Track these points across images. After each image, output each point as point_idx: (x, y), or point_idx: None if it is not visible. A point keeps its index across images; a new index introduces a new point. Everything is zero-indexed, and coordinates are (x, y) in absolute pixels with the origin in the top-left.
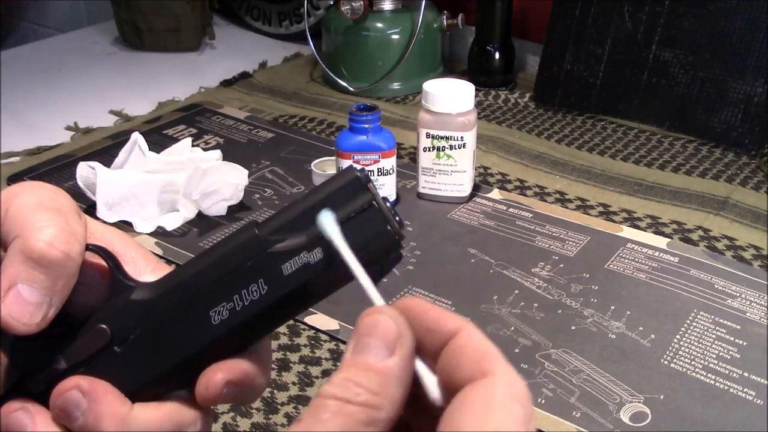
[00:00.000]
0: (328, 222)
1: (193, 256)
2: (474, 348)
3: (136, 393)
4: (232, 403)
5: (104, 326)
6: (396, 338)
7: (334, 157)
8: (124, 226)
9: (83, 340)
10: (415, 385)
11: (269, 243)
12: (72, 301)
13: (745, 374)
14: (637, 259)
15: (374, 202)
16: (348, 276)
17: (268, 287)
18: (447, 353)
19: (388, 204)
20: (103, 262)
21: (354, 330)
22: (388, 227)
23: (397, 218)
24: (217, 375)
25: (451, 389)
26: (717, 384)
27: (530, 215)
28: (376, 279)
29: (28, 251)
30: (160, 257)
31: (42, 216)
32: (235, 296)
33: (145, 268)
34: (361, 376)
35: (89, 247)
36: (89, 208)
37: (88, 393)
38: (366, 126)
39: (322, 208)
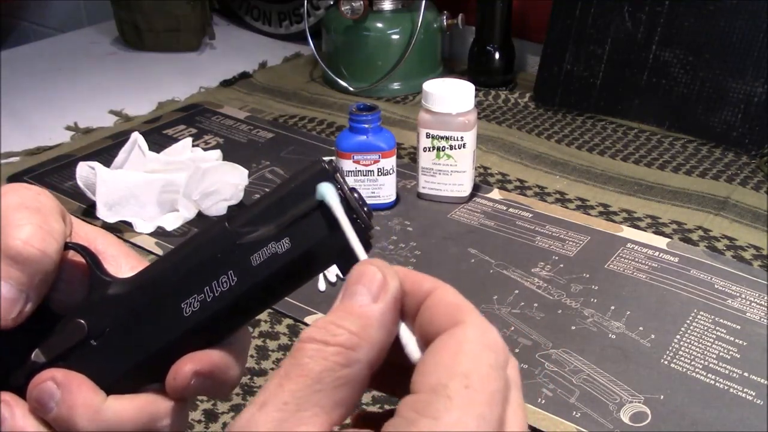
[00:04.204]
0: (328, 190)
1: None
2: (447, 303)
3: (113, 385)
4: (204, 395)
5: (81, 320)
6: (381, 286)
7: (333, 157)
8: (124, 226)
9: (61, 335)
10: (403, 356)
11: (239, 235)
12: (53, 298)
13: (745, 374)
14: (637, 259)
15: (340, 192)
16: (317, 267)
17: (238, 278)
18: (423, 311)
19: (356, 194)
20: (84, 260)
21: (345, 280)
22: (355, 217)
23: (365, 208)
24: (186, 366)
25: (428, 344)
26: (717, 384)
27: (530, 215)
28: (345, 268)
29: (5, 248)
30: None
31: (21, 215)
32: (206, 288)
33: (126, 265)
34: (344, 318)
35: (68, 245)
36: (89, 208)
37: (62, 384)
38: (366, 126)
39: (291, 200)
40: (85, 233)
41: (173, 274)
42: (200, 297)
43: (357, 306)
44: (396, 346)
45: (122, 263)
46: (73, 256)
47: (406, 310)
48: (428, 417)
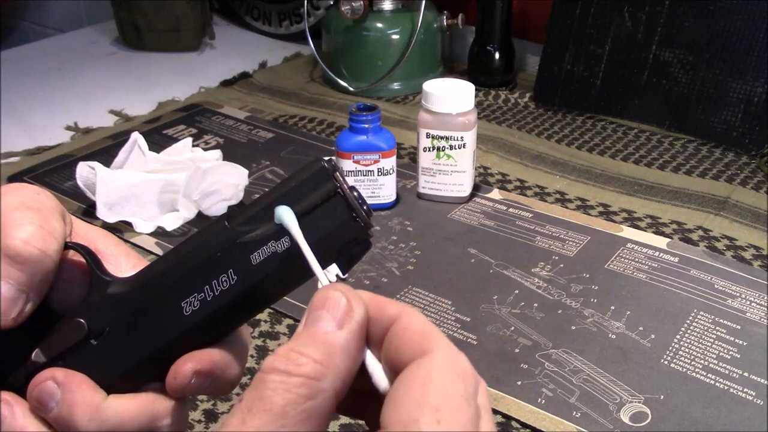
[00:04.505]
0: (286, 214)
1: None
2: (414, 330)
3: (113, 384)
4: (205, 394)
5: (81, 320)
6: (346, 312)
7: (334, 157)
8: (124, 226)
9: (61, 334)
10: (370, 382)
11: (238, 234)
12: (53, 297)
13: (745, 374)
14: (637, 259)
15: (340, 191)
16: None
17: (238, 277)
18: (389, 338)
19: (355, 193)
20: (84, 260)
21: (308, 306)
22: (354, 216)
23: (364, 207)
24: (186, 365)
25: (395, 373)
26: (717, 384)
27: (530, 215)
28: (345, 267)
29: (5, 248)
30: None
31: (21, 214)
32: (206, 287)
33: (127, 265)
34: (307, 346)
35: (68, 245)
36: (89, 208)
37: (63, 384)
38: (366, 126)
39: (290, 199)
40: (85, 233)
41: (173, 273)
42: (200, 296)
43: (321, 332)
44: (362, 371)
45: (122, 262)
46: (73, 255)
47: (371, 336)
48: None
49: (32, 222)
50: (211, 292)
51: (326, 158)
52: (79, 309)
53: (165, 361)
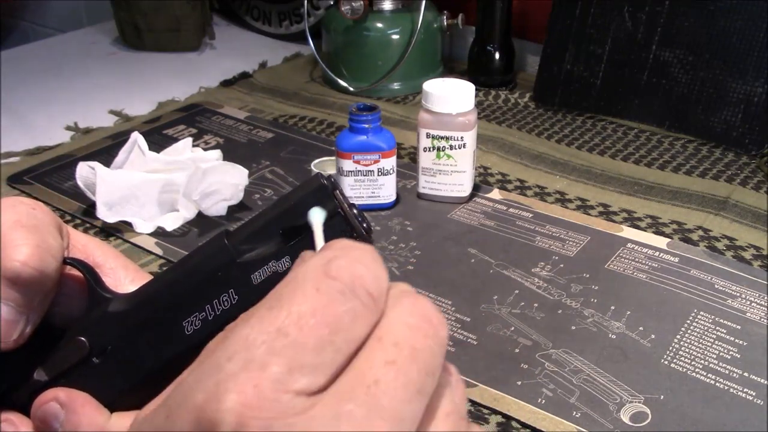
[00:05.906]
0: (316, 216)
1: None
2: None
3: (115, 403)
4: None
5: (83, 338)
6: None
7: (334, 157)
8: (124, 226)
9: (63, 353)
10: None
11: (239, 253)
12: (54, 313)
13: (745, 374)
14: (637, 259)
15: (340, 211)
16: None
17: (239, 296)
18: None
19: (355, 210)
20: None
21: None
22: (355, 236)
23: (364, 225)
24: None
25: None
26: (717, 384)
27: (530, 215)
28: None
29: (3, 270)
30: (160, 257)
31: (18, 234)
32: (207, 306)
33: (125, 278)
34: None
35: (67, 261)
36: (89, 208)
37: (66, 404)
38: (366, 126)
39: (290, 217)
40: (83, 245)
41: (174, 291)
42: (201, 315)
43: None
44: None
45: (121, 276)
46: (73, 270)
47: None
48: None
49: (29, 242)
50: (212, 312)
51: (326, 175)
52: (80, 327)
53: (167, 378)
